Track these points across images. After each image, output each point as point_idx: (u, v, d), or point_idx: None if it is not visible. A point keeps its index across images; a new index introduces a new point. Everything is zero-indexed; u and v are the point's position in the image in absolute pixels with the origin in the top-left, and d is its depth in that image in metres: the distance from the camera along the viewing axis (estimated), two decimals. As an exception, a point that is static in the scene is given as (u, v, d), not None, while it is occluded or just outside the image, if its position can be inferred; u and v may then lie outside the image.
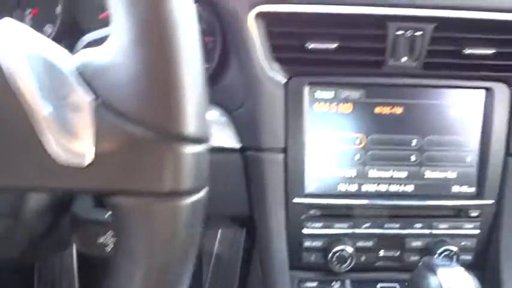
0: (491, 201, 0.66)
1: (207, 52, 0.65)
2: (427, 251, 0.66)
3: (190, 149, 0.29)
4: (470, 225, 0.67)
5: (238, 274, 0.86)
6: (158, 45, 0.27)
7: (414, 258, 0.66)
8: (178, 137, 0.28)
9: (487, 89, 0.64)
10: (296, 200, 0.63)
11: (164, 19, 0.27)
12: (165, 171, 0.28)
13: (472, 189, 0.66)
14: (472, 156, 0.66)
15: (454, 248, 0.65)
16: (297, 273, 0.66)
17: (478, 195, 0.66)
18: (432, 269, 0.46)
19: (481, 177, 0.66)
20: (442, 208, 0.66)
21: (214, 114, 0.64)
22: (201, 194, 0.31)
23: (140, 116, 0.27)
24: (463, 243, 0.66)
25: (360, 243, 0.65)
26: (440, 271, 0.45)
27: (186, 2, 0.29)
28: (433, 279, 0.45)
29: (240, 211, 0.66)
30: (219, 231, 1.30)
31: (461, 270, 0.46)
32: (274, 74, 0.61)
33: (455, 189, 0.66)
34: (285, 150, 0.63)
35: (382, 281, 0.67)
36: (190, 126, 0.28)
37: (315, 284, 0.65)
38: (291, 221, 0.64)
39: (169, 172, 0.28)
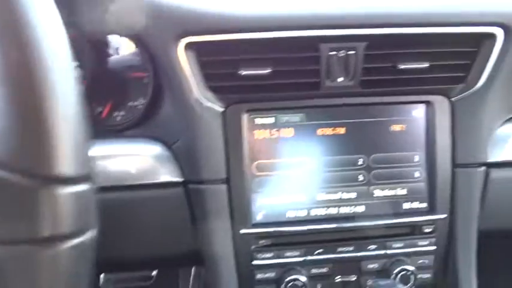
0: (444, 216, 0.65)
1: (141, 87, 0.64)
2: (384, 272, 0.64)
3: (67, 190, 0.27)
4: (426, 242, 0.65)
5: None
6: (22, 83, 0.26)
7: (372, 281, 0.64)
8: (50, 178, 0.26)
9: (427, 102, 0.64)
10: (243, 230, 0.61)
11: (31, 57, 0.26)
12: (39, 215, 0.26)
13: (424, 205, 0.65)
14: (420, 172, 0.65)
15: (411, 268, 0.63)
16: None
17: (430, 210, 0.65)
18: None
19: (431, 191, 0.65)
20: (395, 226, 0.64)
21: (155, 150, 0.63)
22: (86, 236, 0.29)
23: (5, 159, 0.25)
24: (420, 261, 0.65)
25: (314, 270, 0.63)
26: None
27: (57, 40, 0.27)
28: None
29: (188, 248, 0.64)
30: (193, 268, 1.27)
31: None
32: (210, 104, 0.60)
33: (407, 206, 0.65)
34: (227, 181, 0.61)
35: None
36: (65, 166, 0.26)
37: None
38: (240, 253, 0.62)
39: (45, 216, 0.26)
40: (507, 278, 0.92)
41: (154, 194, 0.61)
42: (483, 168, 0.65)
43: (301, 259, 0.62)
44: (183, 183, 0.62)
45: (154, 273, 1.26)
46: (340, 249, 0.63)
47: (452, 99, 0.64)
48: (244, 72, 0.59)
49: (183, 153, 0.62)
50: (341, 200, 0.64)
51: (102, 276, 1.14)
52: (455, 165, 0.64)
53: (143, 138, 0.63)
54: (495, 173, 0.67)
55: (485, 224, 0.67)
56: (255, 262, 0.62)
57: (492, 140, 0.67)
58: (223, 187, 0.61)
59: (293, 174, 0.63)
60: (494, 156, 0.66)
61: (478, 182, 0.65)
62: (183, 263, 0.69)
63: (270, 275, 0.62)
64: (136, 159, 0.62)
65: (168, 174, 0.62)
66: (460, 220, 0.65)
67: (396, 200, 0.65)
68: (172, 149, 0.62)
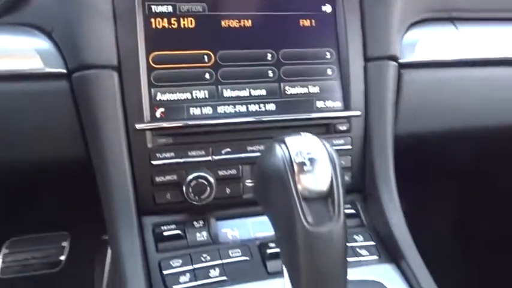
0: (357, 112, 0.61)
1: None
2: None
3: None
4: (341, 141, 0.61)
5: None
6: None
7: None
8: None
9: (335, -4, 0.61)
10: (139, 125, 0.53)
11: None
12: None
13: (338, 104, 0.61)
14: (332, 69, 0.61)
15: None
16: (151, 218, 0.55)
17: (344, 108, 0.61)
18: (280, 140, 0.38)
19: (345, 88, 0.61)
20: (308, 125, 0.59)
21: (32, 38, 0.54)
22: None
23: None
24: (337, 162, 0.60)
25: (222, 172, 0.56)
26: (288, 139, 0.38)
27: None
28: (279, 149, 0.37)
29: (74, 152, 0.55)
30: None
31: (311, 136, 0.39)
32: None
33: (320, 104, 0.61)
34: (118, 69, 0.53)
35: (253, 215, 0.57)
36: None
37: (172, 226, 0.54)
38: (137, 153, 0.54)
39: None
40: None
41: (34, 87, 0.53)
42: (394, 64, 0.63)
43: (207, 159, 0.55)
44: (67, 75, 0.53)
45: (62, 257, 1.12)
46: (249, 148, 0.57)
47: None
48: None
49: (65, 41, 0.54)
50: (250, 96, 0.58)
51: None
52: (366, 59, 0.62)
53: (18, 26, 0.55)
54: (408, 75, 0.65)
55: (400, 129, 0.65)
56: (154, 162, 0.54)
57: (402, 42, 0.65)
58: (113, 74, 0.53)
59: (195, 68, 0.57)
60: (405, 58, 0.65)
61: (390, 78, 0.63)
62: (70, 172, 0.58)
63: (172, 177, 0.54)
64: (11, 48, 0.53)
65: (47, 65, 0.53)
66: (374, 120, 0.62)
67: (309, 99, 0.60)
68: (53, 37, 0.54)
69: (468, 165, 0.97)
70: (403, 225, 0.58)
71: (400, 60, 0.64)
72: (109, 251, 1.10)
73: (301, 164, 0.36)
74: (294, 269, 0.37)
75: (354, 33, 0.62)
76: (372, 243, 0.58)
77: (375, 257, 0.56)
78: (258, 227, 0.57)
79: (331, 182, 0.36)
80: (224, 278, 0.50)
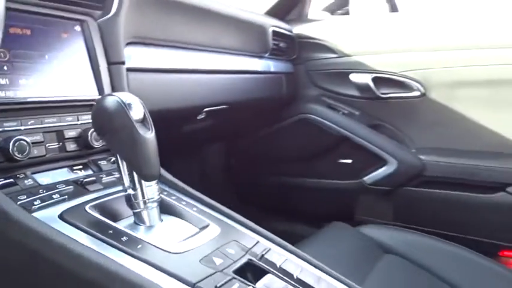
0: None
1: None
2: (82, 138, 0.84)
3: None
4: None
5: None
6: None
7: (73, 146, 0.83)
8: None
9: (82, 21, 0.91)
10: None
11: None
12: None
13: (95, 92, 0.91)
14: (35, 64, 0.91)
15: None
16: None
17: (99, 94, 0.92)
18: (113, 95, 0.67)
19: (98, 82, 0.92)
20: (78, 105, 0.86)
21: None
22: None
23: None
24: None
25: (31, 138, 0.76)
26: (118, 94, 0.67)
27: None
28: (115, 99, 0.66)
29: None
30: None
31: (126, 93, 0.70)
32: None
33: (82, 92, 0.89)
34: None
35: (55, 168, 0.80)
36: None
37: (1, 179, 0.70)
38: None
39: None
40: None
41: None
42: (124, 67, 0.99)
43: (19, 127, 0.74)
44: None
45: None
46: (46, 120, 0.79)
47: (98, 20, 0.94)
48: None
49: None
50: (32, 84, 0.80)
51: None
52: (108, 63, 0.94)
53: None
54: (131, 75, 1.01)
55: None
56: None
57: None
58: None
59: (-5, 62, 0.74)
60: (127, 64, 1.01)
61: (123, 76, 0.97)
62: None
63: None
64: None
65: None
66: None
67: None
68: None
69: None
70: None
71: (125, 66, 1.00)
72: None
73: (130, 105, 0.68)
74: (133, 162, 0.68)
75: (98, 46, 0.93)
76: None
77: None
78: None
79: (144, 113, 0.70)
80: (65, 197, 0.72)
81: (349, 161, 1.84)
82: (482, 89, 1.59)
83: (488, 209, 1.60)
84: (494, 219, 1.60)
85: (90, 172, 0.84)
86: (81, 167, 0.84)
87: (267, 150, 1.96)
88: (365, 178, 1.81)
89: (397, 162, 1.73)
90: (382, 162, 1.77)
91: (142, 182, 0.70)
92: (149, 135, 0.68)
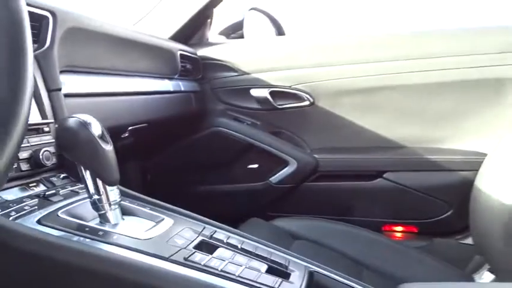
0: (52, 120, 1.04)
1: None
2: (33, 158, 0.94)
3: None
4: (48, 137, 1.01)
5: None
6: None
7: (26, 166, 0.92)
8: None
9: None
10: None
11: None
12: None
13: (38, 117, 1.01)
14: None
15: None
16: None
17: (42, 118, 1.02)
18: (74, 117, 0.80)
19: (40, 108, 1.02)
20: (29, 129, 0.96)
21: None
22: None
23: None
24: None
25: None
26: (80, 116, 0.80)
27: None
28: (78, 121, 0.79)
29: None
30: None
31: (83, 114, 0.83)
32: None
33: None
34: None
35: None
36: None
37: None
38: None
39: None
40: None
41: None
42: (61, 93, 1.09)
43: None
44: None
45: None
46: None
47: (34, 53, 1.04)
48: None
49: None
50: None
51: None
52: (48, 90, 1.05)
53: None
54: (67, 101, 1.12)
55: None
56: None
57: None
58: None
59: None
60: (64, 90, 1.12)
61: (62, 100, 1.08)
62: None
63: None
64: None
65: None
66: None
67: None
68: None
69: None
70: None
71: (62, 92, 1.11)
72: None
73: (90, 124, 0.82)
74: (98, 171, 0.81)
75: (37, 75, 1.03)
76: None
77: None
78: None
79: (102, 131, 0.84)
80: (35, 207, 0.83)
81: (256, 165, 2.08)
82: (359, 96, 1.96)
83: (371, 194, 1.97)
84: (377, 201, 1.96)
85: (44, 188, 0.94)
86: (35, 184, 0.94)
87: (184, 163, 2.12)
88: (271, 179, 2.07)
89: (297, 162, 2.02)
90: (284, 164, 2.04)
91: (106, 187, 0.83)
92: (109, 147, 0.82)
